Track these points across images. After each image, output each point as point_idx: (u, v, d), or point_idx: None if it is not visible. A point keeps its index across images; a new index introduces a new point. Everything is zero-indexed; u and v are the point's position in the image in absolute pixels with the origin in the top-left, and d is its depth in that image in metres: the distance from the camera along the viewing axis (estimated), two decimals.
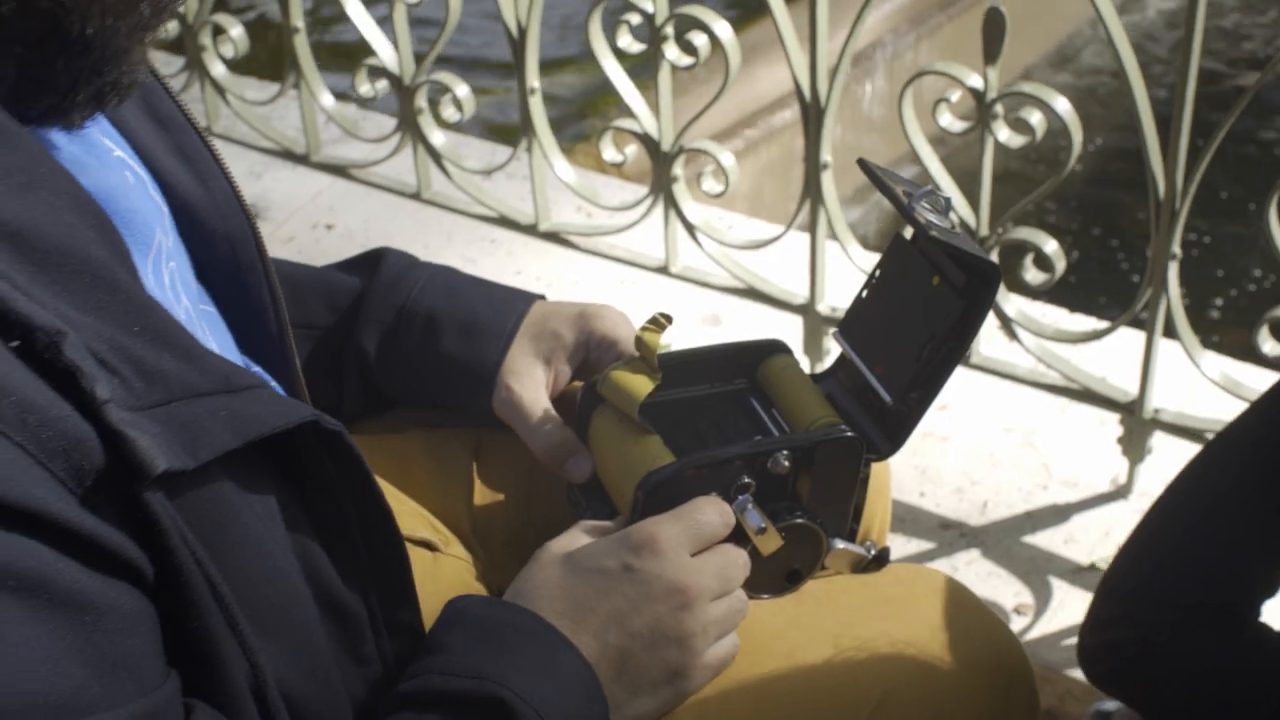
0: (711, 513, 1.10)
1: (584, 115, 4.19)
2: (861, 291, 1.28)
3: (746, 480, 1.16)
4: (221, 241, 1.06)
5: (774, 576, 1.18)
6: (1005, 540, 2.12)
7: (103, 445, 0.73)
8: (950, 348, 1.20)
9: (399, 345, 1.27)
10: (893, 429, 1.24)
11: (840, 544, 1.21)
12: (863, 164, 1.22)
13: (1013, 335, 2.08)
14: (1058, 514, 2.14)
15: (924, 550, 2.10)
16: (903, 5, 4.55)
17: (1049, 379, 2.12)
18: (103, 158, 0.94)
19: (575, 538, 1.09)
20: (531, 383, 1.26)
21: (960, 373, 2.20)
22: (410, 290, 1.28)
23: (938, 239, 1.14)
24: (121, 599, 0.75)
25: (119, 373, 0.76)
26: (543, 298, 1.32)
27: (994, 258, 2.04)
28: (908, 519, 2.16)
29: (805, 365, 1.32)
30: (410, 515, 1.25)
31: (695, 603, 1.05)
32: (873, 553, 1.23)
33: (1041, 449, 2.26)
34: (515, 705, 0.94)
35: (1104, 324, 2.08)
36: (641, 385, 1.20)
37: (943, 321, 1.19)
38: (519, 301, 1.30)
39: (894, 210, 1.20)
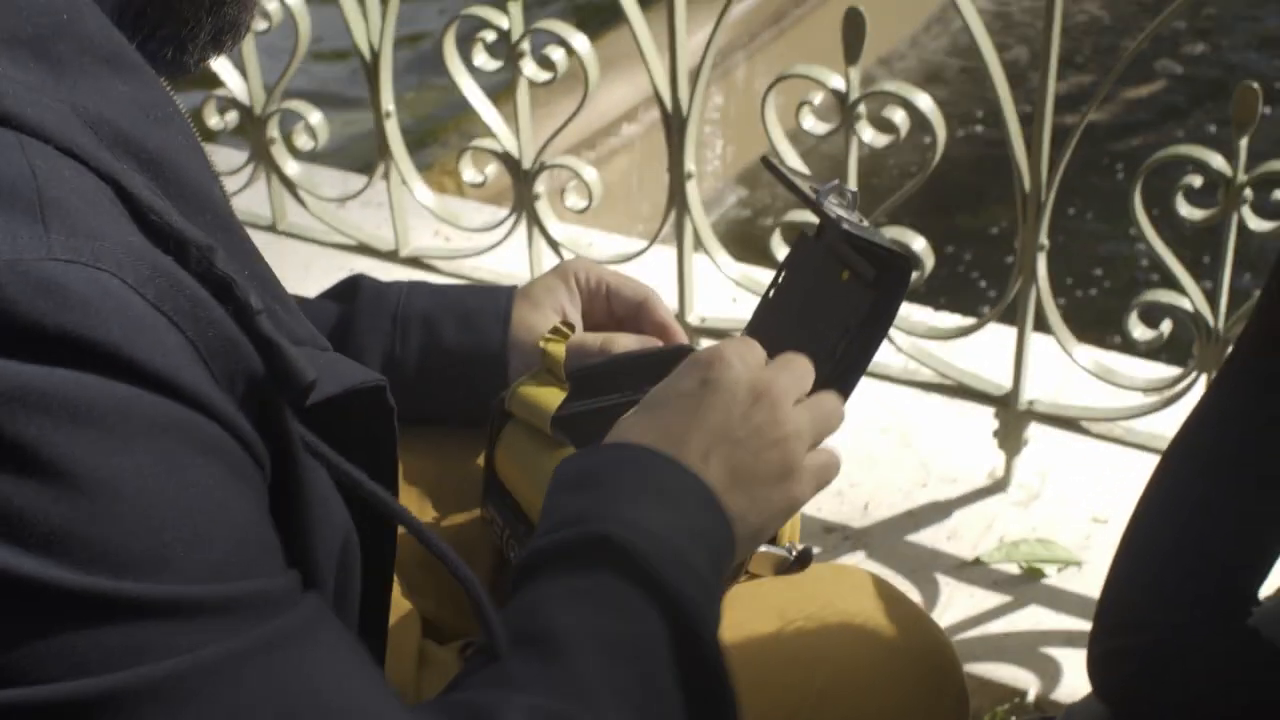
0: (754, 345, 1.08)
1: (436, 136, 4.15)
2: (767, 292, 1.27)
3: None
4: None
5: None
6: (889, 540, 2.12)
7: (257, 354, 0.75)
8: (863, 343, 1.19)
9: (401, 353, 1.26)
10: None
11: (762, 548, 1.19)
12: (766, 161, 1.20)
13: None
14: (939, 511, 2.15)
15: None
16: (749, 10, 4.57)
17: (923, 376, 2.13)
18: None
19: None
20: (544, 320, 1.27)
21: None
22: (397, 300, 1.28)
23: (851, 233, 1.13)
24: (260, 482, 0.77)
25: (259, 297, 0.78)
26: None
27: None
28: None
29: None
30: None
31: (781, 401, 1.02)
32: (794, 554, 1.21)
33: (919, 447, 2.26)
34: (620, 537, 0.90)
35: (974, 320, 2.09)
36: (550, 397, 1.17)
37: (854, 317, 1.18)
38: (501, 288, 1.30)
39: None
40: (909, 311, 2.29)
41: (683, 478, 0.97)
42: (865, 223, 1.18)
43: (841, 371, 1.19)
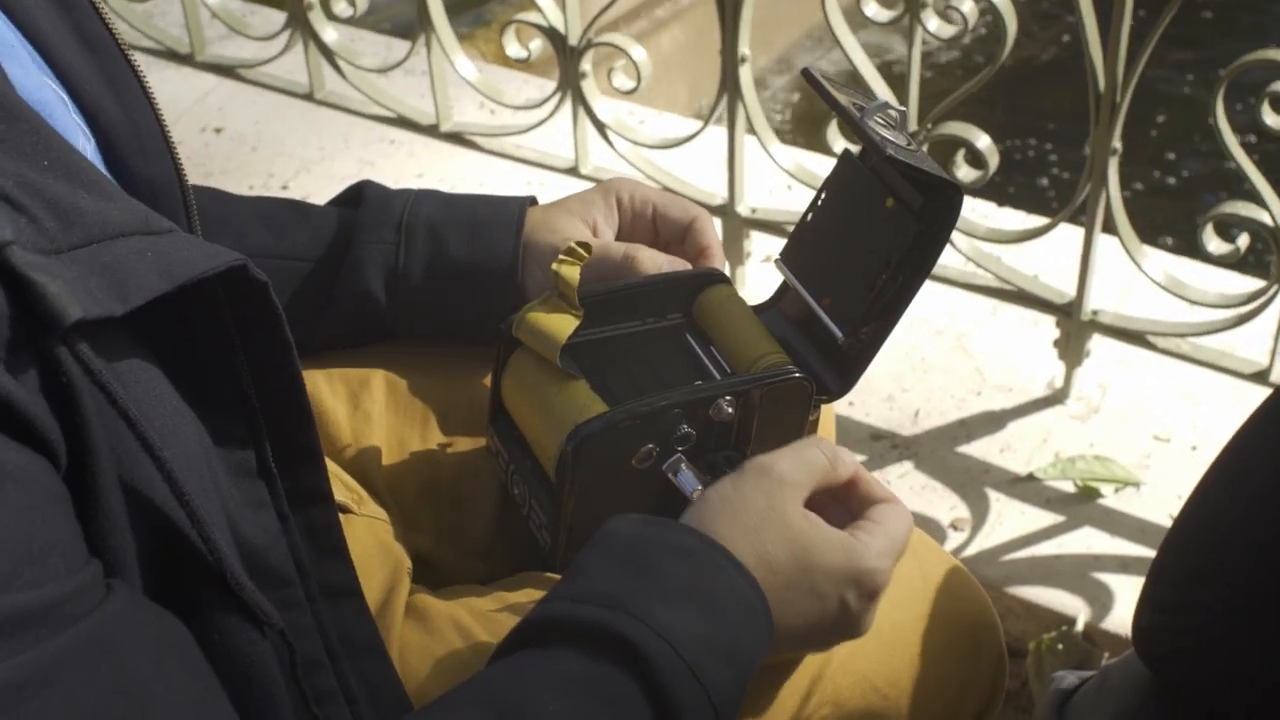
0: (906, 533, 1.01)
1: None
2: (806, 214, 1.17)
3: (686, 430, 1.05)
4: (143, 185, 0.93)
5: None
6: (939, 451, 2.02)
7: (8, 295, 0.65)
8: (906, 277, 1.09)
9: (405, 263, 1.17)
10: (844, 366, 1.14)
11: None
12: (807, 74, 1.10)
13: None
14: (993, 421, 2.05)
15: None
16: None
17: (982, 280, 2.02)
18: (26, 67, 0.83)
19: (798, 495, 0.97)
20: (572, 228, 1.18)
21: None
22: (403, 208, 1.19)
23: (894, 157, 1.02)
24: (41, 474, 0.66)
25: (27, 211, 0.68)
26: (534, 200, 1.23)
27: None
28: (836, 430, 2.05)
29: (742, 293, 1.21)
30: None
31: (877, 598, 0.99)
32: None
33: (974, 353, 2.16)
34: (642, 644, 0.84)
35: (1039, 221, 1.97)
36: (562, 325, 1.07)
37: (898, 248, 1.08)
38: (515, 199, 1.21)
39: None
40: (969, 209, 2.17)
41: (739, 587, 0.90)
42: (913, 146, 1.07)
43: (880, 308, 1.10)
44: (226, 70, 2.52)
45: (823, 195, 1.16)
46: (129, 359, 0.74)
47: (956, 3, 1.80)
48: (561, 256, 1.07)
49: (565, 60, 2.11)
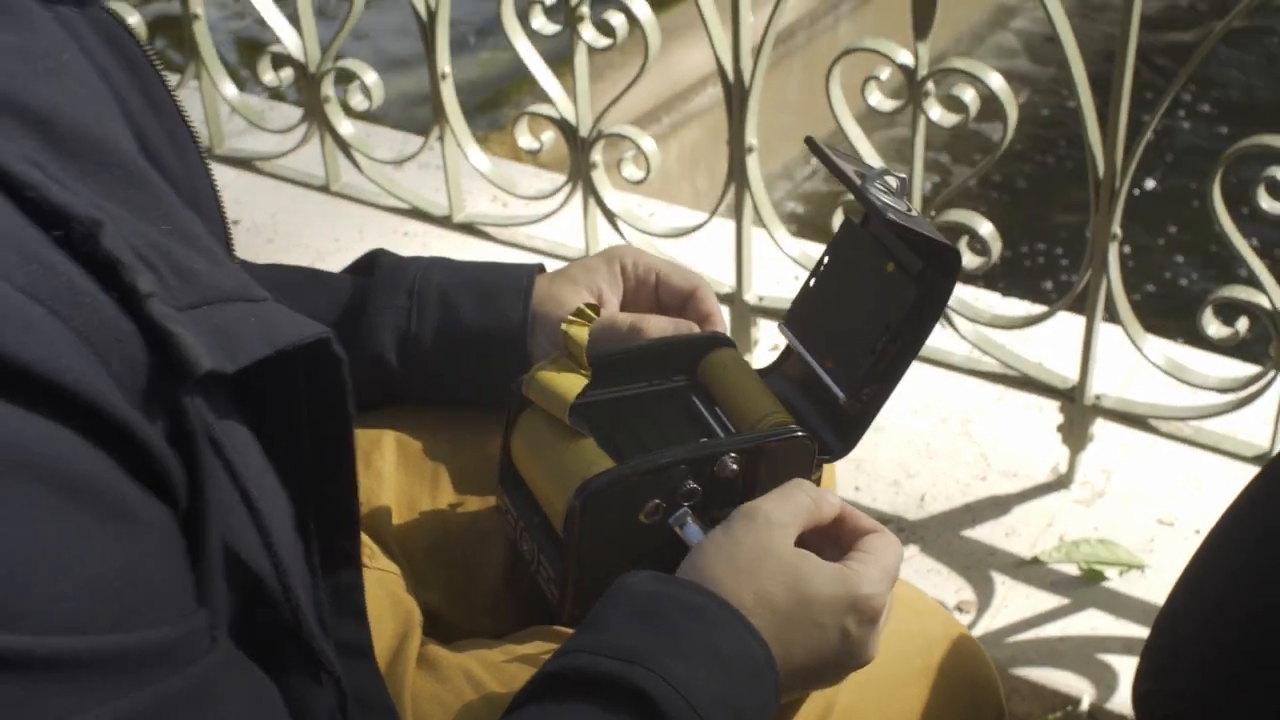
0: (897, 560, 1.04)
1: (498, 104, 4.08)
2: (809, 280, 1.20)
3: (692, 486, 1.07)
4: None
5: None
6: (945, 535, 2.04)
7: (145, 343, 0.67)
8: (906, 340, 1.12)
9: (417, 328, 1.20)
10: (845, 427, 1.16)
11: None
12: (810, 142, 1.13)
13: (948, 321, 2.00)
14: (998, 506, 2.07)
15: None
16: None
17: (986, 366, 2.05)
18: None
19: (787, 534, 1.00)
20: (577, 298, 1.20)
21: None
22: (415, 275, 1.22)
23: (894, 221, 1.06)
24: (161, 518, 0.69)
25: (157, 269, 0.71)
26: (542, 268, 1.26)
27: None
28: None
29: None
30: None
31: (879, 630, 1.01)
32: None
33: (979, 439, 2.18)
34: (660, 698, 0.87)
35: (1042, 308, 2.00)
36: (571, 384, 1.10)
37: (898, 311, 1.11)
38: (525, 266, 1.25)
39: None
40: (973, 297, 2.20)
41: (747, 645, 0.93)
42: (913, 211, 1.11)
43: (880, 370, 1.13)
44: (244, 163, 2.58)
45: (825, 260, 1.19)
46: (228, 416, 0.78)
47: (959, 91, 1.84)
48: (571, 317, 1.10)
49: (576, 151, 2.16)
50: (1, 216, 0.64)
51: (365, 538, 1.15)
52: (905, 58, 1.85)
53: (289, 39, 2.31)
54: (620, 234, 2.18)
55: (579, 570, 1.08)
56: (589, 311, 1.11)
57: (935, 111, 1.87)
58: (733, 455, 1.08)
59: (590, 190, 2.19)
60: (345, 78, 2.30)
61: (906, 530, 2.04)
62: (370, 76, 2.28)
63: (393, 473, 1.20)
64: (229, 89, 2.47)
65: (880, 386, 1.14)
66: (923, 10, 1.82)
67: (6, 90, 0.69)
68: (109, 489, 0.65)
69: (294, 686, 0.83)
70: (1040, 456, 2.13)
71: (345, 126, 2.36)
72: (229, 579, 0.76)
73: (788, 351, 1.21)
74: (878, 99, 1.90)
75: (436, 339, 1.20)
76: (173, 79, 2.20)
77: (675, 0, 3.79)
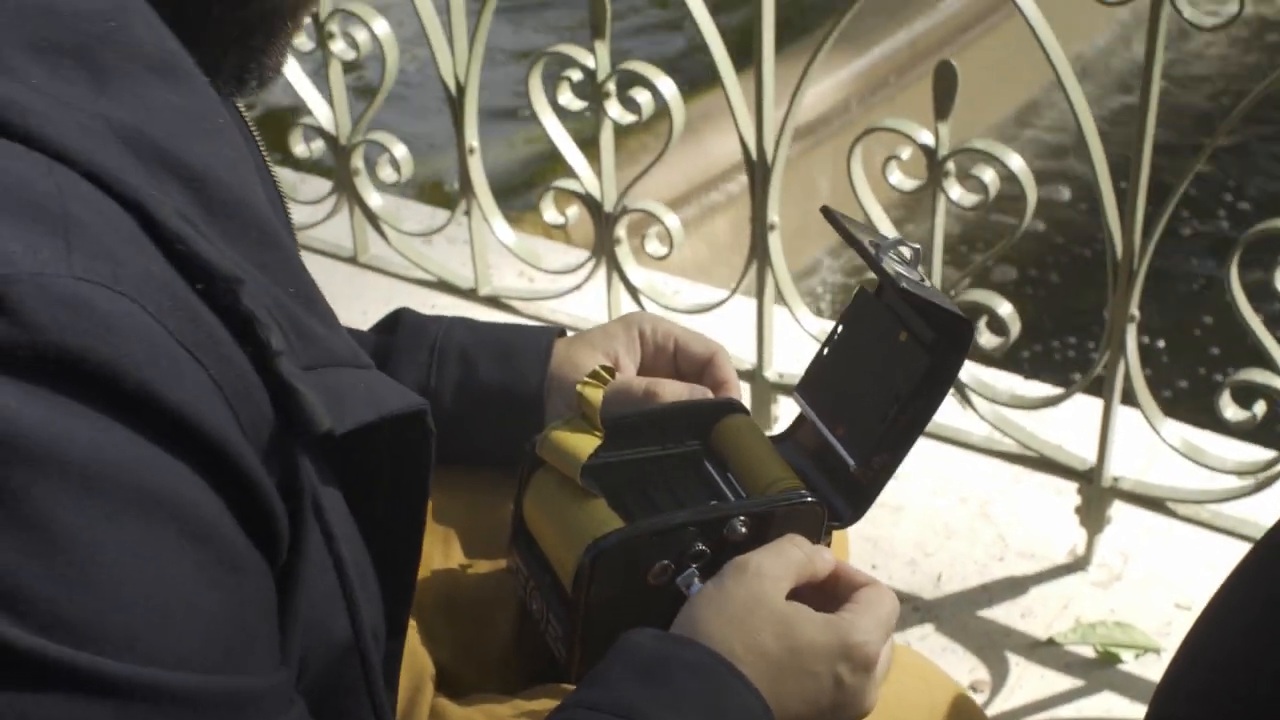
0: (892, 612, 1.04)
1: (532, 184, 4.12)
2: (823, 349, 1.21)
3: (701, 548, 1.08)
4: None
5: None
6: (960, 614, 2.03)
7: (270, 400, 0.71)
8: (918, 409, 1.13)
9: (437, 385, 1.22)
10: (856, 495, 1.16)
11: None
12: (826, 212, 1.15)
13: (966, 401, 2.01)
14: (1014, 586, 2.07)
15: None
16: (857, 74, 4.51)
17: (1005, 447, 2.05)
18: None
19: (779, 587, 1.00)
20: (594, 362, 1.21)
21: None
22: (437, 333, 1.24)
23: (907, 290, 1.07)
24: (263, 571, 0.72)
25: (283, 329, 0.75)
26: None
27: None
28: None
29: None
30: None
31: (877, 681, 1.01)
32: None
33: (997, 519, 2.18)
34: None
35: (1060, 390, 2.01)
36: (584, 444, 1.11)
37: (909, 381, 1.12)
38: (546, 328, 1.27)
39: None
40: (992, 378, 2.20)
41: (750, 704, 0.93)
42: (927, 282, 1.12)
43: (892, 439, 1.13)
44: None
45: (839, 329, 1.20)
46: (326, 479, 0.80)
47: (978, 171, 1.85)
48: (586, 379, 1.12)
49: (600, 226, 2.18)
50: (156, 265, 0.67)
51: None
52: (926, 138, 1.87)
53: (320, 112, 2.34)
54: (643, 308, 2.20)
55: (586, 629, 1.08)
56: (604, 374, 1.12)
57: (955, 191, 1.88)
58: (742, 519, 1.09)
59: (614, 265, 2.21)
60: (375, 151, 2.34)
61: (922, 610, 2.04)
62: (400, 150, 2.31)
63: None
64: None
65: (891, 455, 1.14)
66: (943, 91, 1.84)
67: (167, 147, 0.72)
68: (228, 536, 0.68)
69: None
70: (1058, 538, 2.13)
71: (374, 199, 2.39)
72: (310, 641, 0.79)
73: (800, 419, 1.22)
74: (898, 178, 1.92)
75: (455, 396, 1.22)
76: None
77: (708, 85, 3.83)
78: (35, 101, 0.69)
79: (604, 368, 1.12)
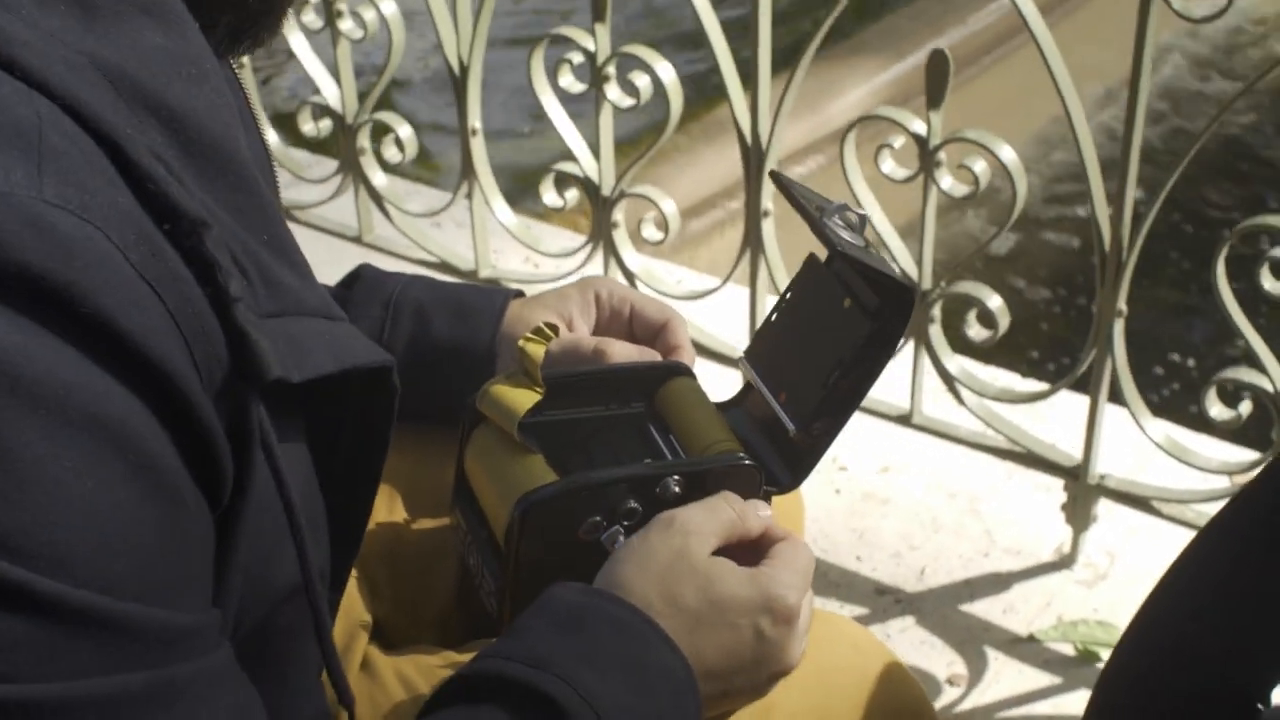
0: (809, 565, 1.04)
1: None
2: (770, 314, 1.21)
3: (633, 506, 1.07)
4: None
5: None
6: (942, 608, 2.03)
7: (226, 343, 0.72)
8: (859, 375, 1.12)
9: (388, 339, 1.22)
10: (795, 461, 1.16)
11: None
12: (774, 175, 1.15)
13: (955, 395, 2.00)
14: (998, 583, 2.06)
15: (856, 615, 2.01)
16: (891, 81, 4.50)
17: (993, 441, 2.04)
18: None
19: (708, 541, 1.00)
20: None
21: (903, 434, 2.13)
22: (394, 289, 1.24)
23: (848, 255, 1.07)
24: (203, 510, 0.72)
25: (248, 274, 0.76)
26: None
27: (936, 312, 1.97)
28: (842, 583, 2.07)
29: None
30: None
31: (801, 636, 1.01)
32: None
33: (986, 515, 2.17)
34: (566, 706, 0.86)
35: (1045, 386, 2.00)
36: (523, 399, 1.11)
37: (850, 347, 1.12)
38: (503, 290, 1.27)
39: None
40: (981, 371, 2.19)
41: (669, 662, 0.93)
42: (871, 249, 1.11)
43: (832, 405, 1.13)
44: (284, 212, 2.62)
45: (787, 296, 1.20)
46: (285, 426, 0.80)
47: (969, 162, 1.85)
48: (528, 334, 1.12)
49: (598, 210, 2.18)
50: (125, 199, 0.68)
51: None
52: (918, 126, 1.86)
53: (328, 90, 2.35)
54: None
55: (517, 583, 1.08)
56: (547, 330, 1.12)
57: (946, 181, 1.88)
58: (676, 478, 1.08)
59: (611, 249, 2.21)
60: (381, 130, 2.35)
61: (904, 602, 2.03)
62: (405, 130, 2.32)
63: None
64: (270, 136, 2.51)
65: (831, 421, 1.14)
66: (936, 80, 1.83)
67: (150, 88, 0.73)
68: (171, 469, 0.69)
69: (298, 692, 0.86)
70: (1046, 536, 2.11)
71: (379, 178, 2.40)
72: (258, 586, 0.79)
73: (748, 386, 1.21)
74: (890, 166, 1.91)
75: (407, 352, 1.22)
76: None
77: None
78: (23, 32, 0.69)
79: (548, 324, 1.12)
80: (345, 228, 2.56)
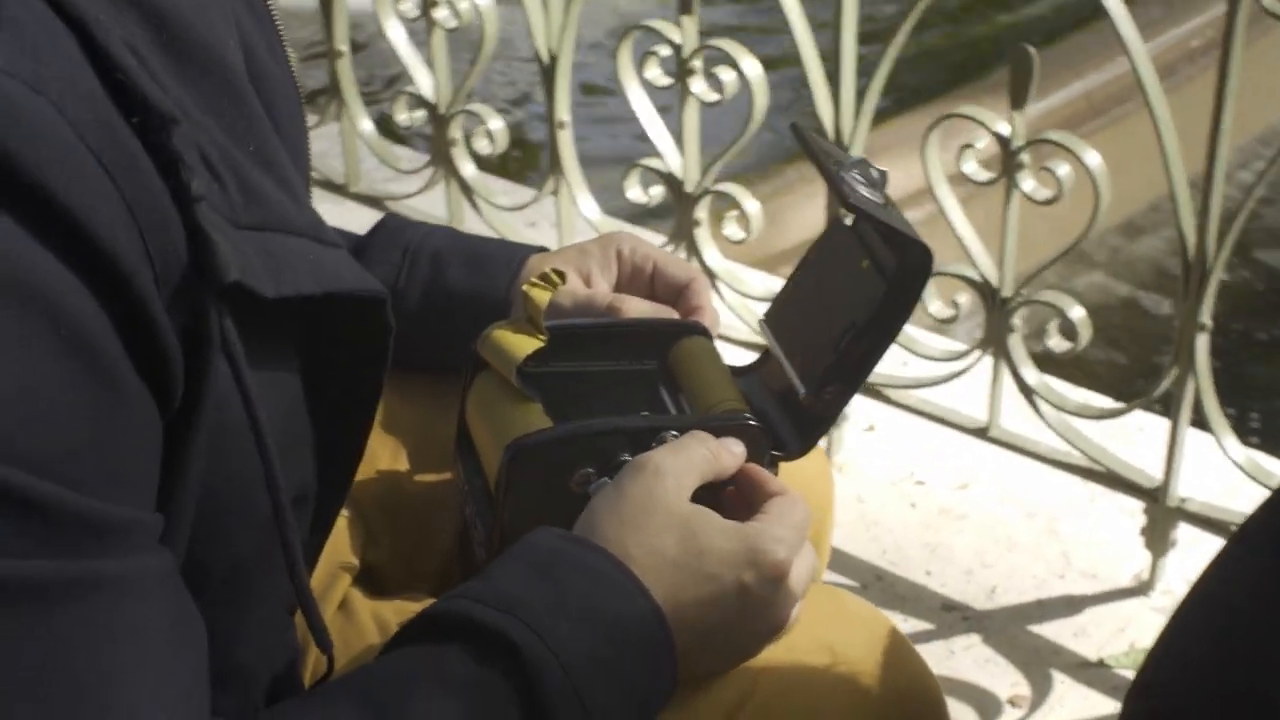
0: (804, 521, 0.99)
1: None
2: (791, 277, 1.17)
3: (627, 458, 1.03)
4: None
5: None
6: (1010, 627, 1.96)
7: (188, 243, 0.69)
8: (873, 339, 1.08)
9: (404, 285, 1.20)
10: (805, 426, 1.12)
11: None
12: (795, 128, 1.11)
13: (1035, 408, 1.94)
14: (1071, 605, 1.98)
15: (920, 630, 1.95)
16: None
17: (1073, 459, 1.97)
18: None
19: (680, 486, 0.97)
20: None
21: (981, 448, 2.07)
22: (414, 236, 1.23)
23: (860, 209, 1.02)
24: (146, 405, 0.69)
25: (223, 180, 0.74)
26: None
27: (1016, 321, 1.91)
28: (909, 597, 2.01)
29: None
30: None
31: (794, 595, 0.97)
32: None
33: (1064, 536, 2.10)
34: (532, 656, 0.83)
35: (1122, 404, 1.92)
36: (522, 345, 1.08)
37: (865, 309, 1.07)
38: (524, 245, 1.24)
39: None
40: (1058, 384, 2.12)
41: (644, 613, 0.89)
42: (889, 206, 1.07)
43: (844, 369, 1.08)
44: (376, 202, 2.62)
45: (808, 258, 1.16)
46: (268, 347, 0.78)
47: (1053, 165, 1.79)
48: (534, 280, 1.09)
49: (681, 206, 2.15)
50: (86, 81, 0.65)
51: None
52: (1002, 127, 1.81)
53: (423, 80, 2.35)
54: (720, 294, 2.16)
55: (505, 531, 1.05)
56: (554, 277, 1.09)
57: (1028, 184, 1.82)
58: (674, 433, 1.04)
59: (693, 248, 2.18)
60: (472, 121, 2.34)
61: (971, 619, 1.97)
62: (495, 123, 2.31)
63: None
64: (366, 125, 2.52)
65: (843, 386, 1.09)
66: (1020, 80, 1.78)
67: None
68: (110, 354, 0.65)
69: (264, 626, 0.84)
70: (1125, 561, 2.04)
71: (468, 169, 2.39)
72: (219, 509, 0.76)
73: (766, 354, 1.17)
74: (973, 167, 1.86)
75: (422, 298, 1.20)
76: (311, 118, 2.23)
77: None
78: None
79: (555, 270, 1.09)
80: (436, 219, 2.55)
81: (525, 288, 1.08)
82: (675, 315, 1.19)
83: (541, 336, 1.09)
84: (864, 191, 1.05)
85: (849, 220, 1.15)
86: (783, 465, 1.10)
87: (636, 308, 1.16)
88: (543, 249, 1.24)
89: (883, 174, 1.08)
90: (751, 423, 1.07)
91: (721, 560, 0.93)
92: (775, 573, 0.94)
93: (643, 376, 1.16)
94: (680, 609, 0.91)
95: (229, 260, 0.70)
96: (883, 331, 1.08)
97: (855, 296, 1.09)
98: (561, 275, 1.09)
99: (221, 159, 0.74)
